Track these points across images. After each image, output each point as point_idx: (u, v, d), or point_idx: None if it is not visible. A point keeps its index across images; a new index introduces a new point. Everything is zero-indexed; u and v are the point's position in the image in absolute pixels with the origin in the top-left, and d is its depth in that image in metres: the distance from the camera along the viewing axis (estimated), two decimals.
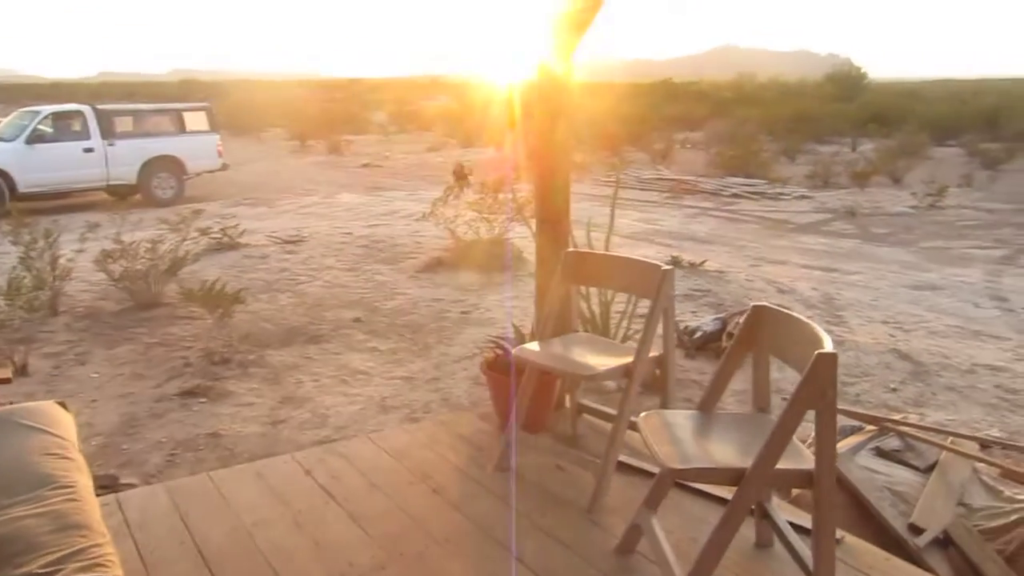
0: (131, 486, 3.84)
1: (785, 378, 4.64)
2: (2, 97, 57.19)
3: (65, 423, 2.57)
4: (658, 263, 3.15)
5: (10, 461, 2.24)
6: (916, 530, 3.25)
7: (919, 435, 3.99)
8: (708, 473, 2.35)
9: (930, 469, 3.72)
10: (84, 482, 2.26)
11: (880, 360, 5.96)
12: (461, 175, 19.13)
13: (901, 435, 4.04)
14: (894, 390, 5.43)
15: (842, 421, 4.21)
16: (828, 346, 2.15)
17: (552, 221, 3.83)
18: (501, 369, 3.65)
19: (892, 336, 6.64)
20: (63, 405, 2.72)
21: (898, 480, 3.68)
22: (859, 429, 4.22)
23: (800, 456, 2.29)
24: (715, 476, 2.40)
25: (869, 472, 3.74)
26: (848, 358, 5.94)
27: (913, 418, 4.53)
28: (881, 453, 3.93)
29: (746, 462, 2.22)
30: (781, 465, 2.20)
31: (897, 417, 4.36)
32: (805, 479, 2.23)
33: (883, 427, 4.13)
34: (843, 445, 3.93)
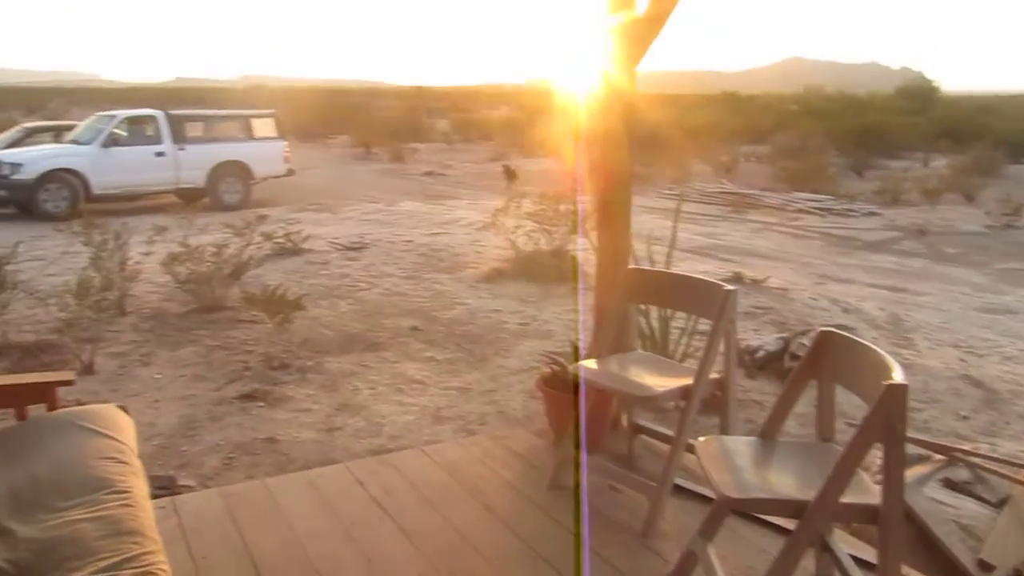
0: (188, 488, 3.89)
1: (848, 401, 4.50)
2: (84, 101, 59.18)
3: (125, 427, 2.60)
4: (721, 283, 3.07)
5: (68, 463, 2.28)
6: (986, 567, 3.12)
7: (990, 467, 3.84)
8: (767, 504, 2.27)
9: (1002, 503, 3.57)
10: (140, 487, 2.28)
11: (950, 386, 5.76)
12: (511, 174, 19.39)
13: (971, 466, 3.89)
14: (965, 418, 5.24)
15: (909, 449, 4.08)
16: (899, 377, 2.06)
17: (612, 236, 3.78)
18: (557, 385, 3.61)
19: (963, 361, 6.42)
20: (124, 409, 2.76)
21: (967, 513, 3.55)
22: (927, 459, 4.08)
23: (866, 490, 2.20)
24: (775, 507, 2.32)
25: (937, 504, 3.61)
26: (917, 383, 5.75)
27: (984, 448, 4.36)
28: (950, 485, 3.80)
29: (808, 494, 2.14)
30: (845, 499, 2.12)
31: (967, 447, 4.21)
32: (870, 515, 2.14)
33: (952, 457, 3.99)
34: (910, 475, 3.80)
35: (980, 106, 49.56)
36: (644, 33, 3.57)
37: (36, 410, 2.65)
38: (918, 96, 49.80)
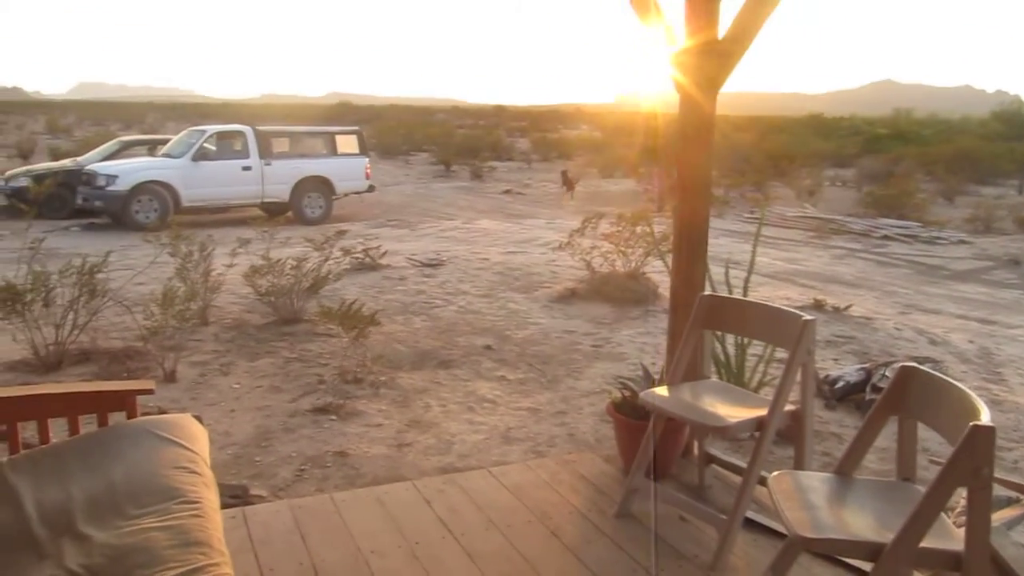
0: (260, 498, 3.96)
1: (932, 436, 4.33)
2: (179, 115, 61.41)
3: (199, 437, 2.65)
4: (799, 313, 2.99)
5: (142, 471, 2.33)
6: None
7: None
8: (842, 545, 2.18)
9: None
10: (211, 498, 2.32)
11: None
12: (568, 182, 19.40)
13: None
14: None
15: (997, 491, 3.89)
16: (985, 418, 1.97)
17: (687, 261, 3.72)
18: (628, 411, 3.56)
19: None
20: (199, 419, 2.81)
21: None
22: (1016, 501, 3.88)
23: (948, 535, 2.10)
24: (850, 549, 2.23)
25: None
26: (1007, 420, 5.51)
27: None
28: None
29: (885, 536, 2.05)
30: (925, 543, 2.03)
31: None
32: (952, 561, 2.04)
33: None
34: (997, 518, 3.62)
35: None
36: (727, 54, 3.52)
37: (117, 417, 2.72)
38: (1014, 120, 48.09)
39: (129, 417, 2.70)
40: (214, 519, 2.19)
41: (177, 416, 2.76)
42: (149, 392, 2.77)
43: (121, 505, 2.18)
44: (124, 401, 2.71)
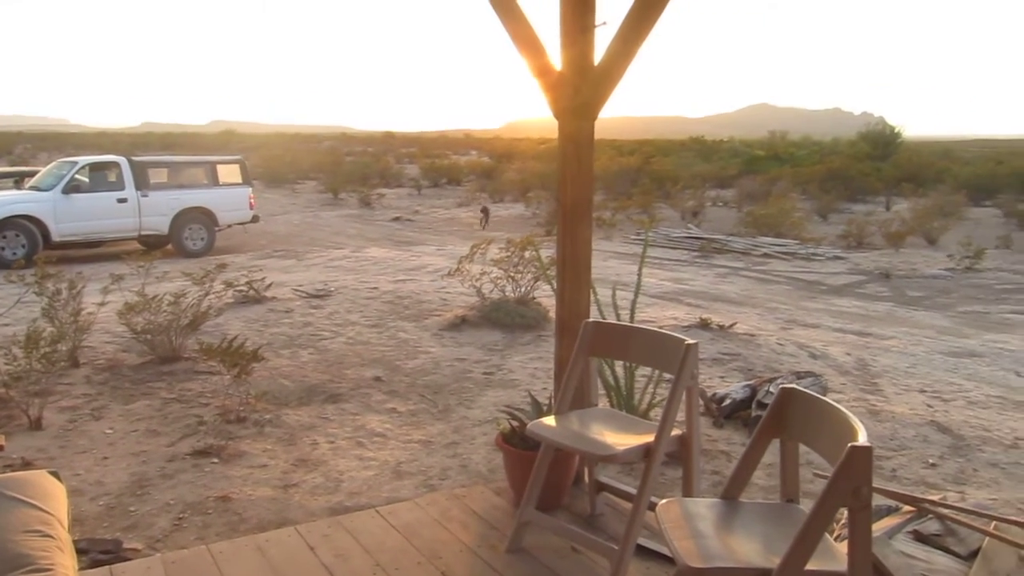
0: (135, 551, 3.72)
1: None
2: (51, 146, 58.70)
3: (55, 495, 2.46)
4: (682, 337, 3.00)
5: None
6: None
7: (960, 518, 3.75)
8: (731, 573, 2.16)
9: (973, 555, 3.49)
10: (65, 563, 2.14)
11: (918, 432, 5.72)
12: (486, 212, 20.24)
13: (941, 518, 3.81)
14: (933, 465, 5.18)
15: (878, 500, 4.00)
16: (863, 438, 1.99)
17: (571, 287, 3.70)
18: (517, 442, 3.50)
19: (930, 406, 6.39)
20: (56, 475, 2.61)
21: (939, 568, 3.45)
22: (896, 510, 3.99)
23: (832, 557, 2.11)
24: None
25: (907, 559, 3.51)
26: (884, 430, 5.71)
27: (953, 498, 4.29)
28: (919, 537, 3.70)
29: (772, 561, 2.05)
30: (811, 566, 2.02)
31: (936, 497, 4.13)
32: None
33: (922, 508, 3.90)
34: (879, 528, 3.71)
35: (942, 150, 50.65)
36: (602, 81, 3.54)
37: None
38: (881, 141, 50.78)
39: None
40: None
41: (30, 473, 2.56)
42: None
43: None
44: None
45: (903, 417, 5.99)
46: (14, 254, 13.26)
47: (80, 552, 3.27)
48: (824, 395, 4.08)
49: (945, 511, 3.83)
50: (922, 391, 6.85)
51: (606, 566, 2.98)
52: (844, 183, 30.26)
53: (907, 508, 3.94)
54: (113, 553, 3.64)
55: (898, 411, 6.14)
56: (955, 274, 14.75)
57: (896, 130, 53.80)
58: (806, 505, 2.10)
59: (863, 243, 18.77)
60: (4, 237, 13.57)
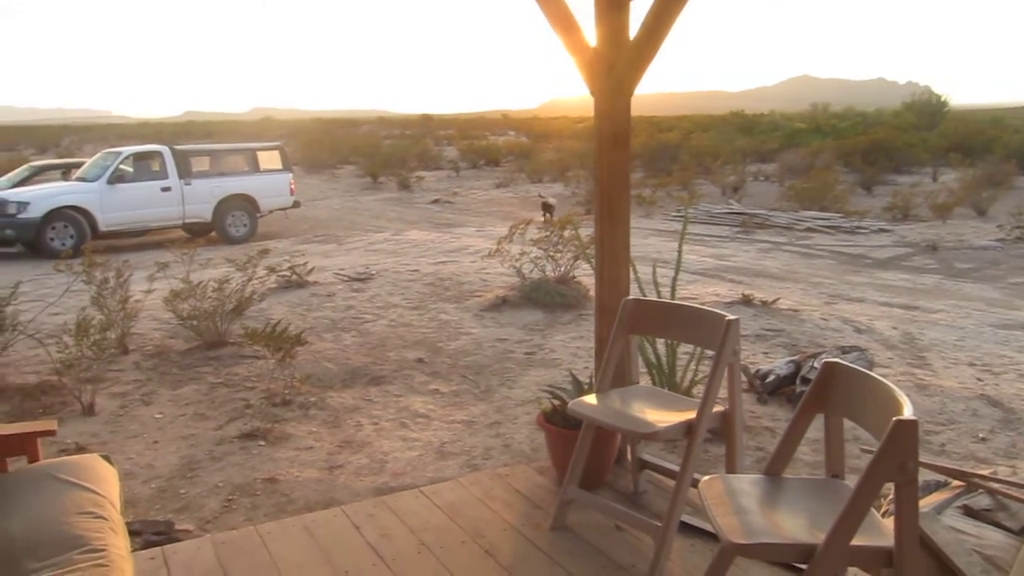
0: (187, 532, 3.80)
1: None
2: (95, 137, 59.68)
3: (107, 478, 2.52)
4: (722, 313, 2.97)
5: (43, 520, 2.19)
6: None
7: (1012, 492, 3.69)
8: (775, 549, 2.16)
9: None
10: (118, 544, 2.19)
11: (967, 406, 5.62)
12: (549, 208, 18.94)
13: (992, 492, 3.74)
14: (983, 440, 5.09)
15: (926, 475, 3.94)
16: (908, 412, 1.96)
17: (610, 264, 3.68)
18: (559, 421, 3.50)
19: (980, 380, 6.27)
20: (107, 458, 2.67)
21: (989, 543, 3.40)
22: (944, 485, 3.93)
23: (878, 532, 2.09)
24: (783, 552, 2.20)
25: (956, 534, 3.46)
26: (932, 404, 5.62)
27: (1004, 472, 4.20)
28: (970, 512, 3.65)
29: (817, 537, 2.03)
30: (856, 541, 2.01)
31: (986, 472, 4.05)
32: (884, 558, 2.03)
33: (971, 483, 3.84)
34: (927, 503, 3.66)
35: (990, 119, 49.36)
36: (638, 57, 3.50)
37: (19, 462, 2.57)
38: (927, 111, 49.65)
39: (31, 461, 2.55)
40: (121, 566, 2.06)
41: (84, 457, 2.62)
42: (51, 434, 2.62)
43: (19, 559, 2.04)
44: (24, 445, 2.56)
45: (952, 391, 5.89)
46: (63, 244, 13.54)
47: (133, 533, 3.35)
48: (870, 370, 4.02)
49: (996, 485, 3.76)
50: (971, 364, 6.73)
51: (650, 543, 2.97)
52: (888, 155, 29.61)
53: (956, 483, 3.88)
54: (165, 534, 3.72)
55: (946, 385, 6.04)
56: (1005, 245, 14.42)
57: (943, 99, 52.53)
58: (852, 481, 2.08)
59: (909, 215, 18.41)
60: (53, 228, 13.87)
